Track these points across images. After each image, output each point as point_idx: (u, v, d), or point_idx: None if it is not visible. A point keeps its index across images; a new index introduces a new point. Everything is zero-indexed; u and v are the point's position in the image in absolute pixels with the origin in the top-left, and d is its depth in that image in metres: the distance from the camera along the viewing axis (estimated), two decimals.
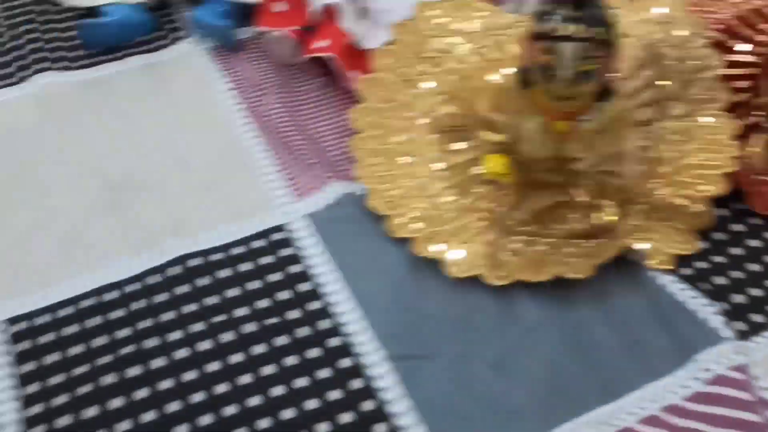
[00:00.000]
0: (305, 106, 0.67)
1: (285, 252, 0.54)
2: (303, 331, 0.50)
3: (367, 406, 0.46)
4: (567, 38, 0.47)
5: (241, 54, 0.71)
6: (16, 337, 0.50)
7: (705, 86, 0.61)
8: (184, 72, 0.70)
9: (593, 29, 0.48)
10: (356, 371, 0.47)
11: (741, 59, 0.63)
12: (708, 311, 0.50)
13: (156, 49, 0.72)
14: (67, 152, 0.62)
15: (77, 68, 0.70)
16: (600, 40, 0.48)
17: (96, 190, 0.59)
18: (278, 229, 0.56)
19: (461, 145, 0.59)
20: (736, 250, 0.55)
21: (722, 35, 0.62)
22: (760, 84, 0.62)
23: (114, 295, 0.52)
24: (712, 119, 0.60)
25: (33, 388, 0.47)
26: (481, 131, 0.56)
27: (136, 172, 0.60)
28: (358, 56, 0.66)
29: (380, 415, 0.45)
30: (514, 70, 0.54)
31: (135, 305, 0.51)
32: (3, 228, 0.56)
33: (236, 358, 0.48)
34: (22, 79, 0.68)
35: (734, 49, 0.62)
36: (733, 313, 0.50)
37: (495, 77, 0.60)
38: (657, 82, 0.60)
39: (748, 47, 0.63)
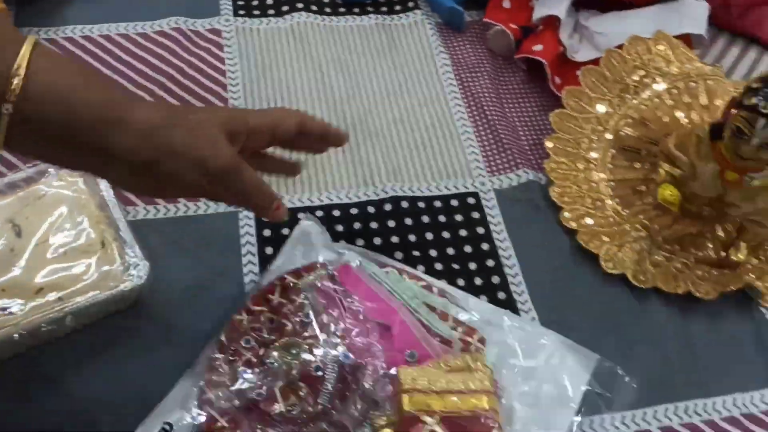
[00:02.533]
0: (510, 96, 0.79)
1: (474, 215, 0.68)
2: (478, 280, 0.64)
3: None
4: (765, 115, 0.57)
5: (463, 35, 0.84)
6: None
7: None
8: (410, 39, 0.83)
9: None
10: None
11: None
12: None
13: (389, 13, 0.85)
14: (313, 87, 0.77)
15: (327, 14, 0.84)
16: None
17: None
18: (472, 195, 0.70)
19: (634, 164, 0.72)
20: None
21: None
22: None
23: (338, 212, 0.68)
24: None
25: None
26: (662, 162, 0.68)
27: (367, 119, 0.75)
28: (564, 65, 0.77)
29: None
30: (707, 120, 0.66)
31: (354, 224, 0.67)
32: None
33: None
34: (282, 14, 0.83)
35: None
36: None
37: (682, 118, 0.71)
38: None
39: None
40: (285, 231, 0.65)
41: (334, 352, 0.53)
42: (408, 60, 0.81)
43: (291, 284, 0.58)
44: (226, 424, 0.51)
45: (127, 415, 0.53)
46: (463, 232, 0.67)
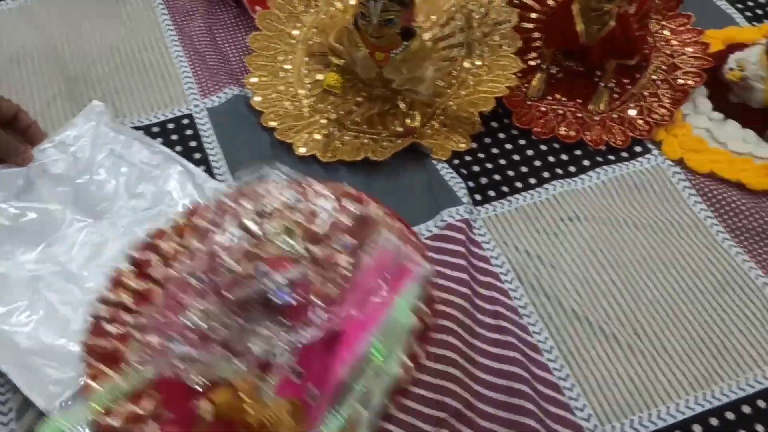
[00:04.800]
0: (223, 30, 0.90)
1: (188, 132, 0.79)
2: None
3: None
4: None
5: None
6: None
7: (503, 35, 0.84)
8: None
9: None
10: None
11: (531, 16, 0.86)
12: (459, 187, 0.75)
13: None
14: (43, 53, 0.86)
15: None
16: (398, 1, 0.71)
17: (58, 83, 0.83)
18: (186, 116, 0.81)
19: (323, 67, 0.84)
20: (495, 150, 0.79)
21: None
22: (542, 37, 0.85)
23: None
24: (506, 60, 0.83)
25: None
26: (330, 56, 0.80)
27: (90, 69, 0.84)
28: None
29: None
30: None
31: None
32: None
33: None
34: None
35: (527, 5, 0.86)
36: (476, 189, 0.76)
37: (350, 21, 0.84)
38: (468, 29, 0.84)
39: (537, 7, 0.86)
40: None
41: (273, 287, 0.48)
42: (129, 13, 0.91)
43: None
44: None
45: None
46: (178, 148, 0.78)
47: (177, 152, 0.77)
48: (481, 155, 0.79)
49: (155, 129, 0.79)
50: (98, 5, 0.91)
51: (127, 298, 0.61)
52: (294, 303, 0.47)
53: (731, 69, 0.80)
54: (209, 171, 0.76)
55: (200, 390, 0.47)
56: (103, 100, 0.81)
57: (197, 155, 0.77)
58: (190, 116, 0.81)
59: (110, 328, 0.58)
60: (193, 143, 0.78)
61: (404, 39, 0.74)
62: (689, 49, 0.86)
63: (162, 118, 0.80)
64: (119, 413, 0.51)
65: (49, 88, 0.82)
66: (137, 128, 0.79)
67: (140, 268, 0.63)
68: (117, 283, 0.62)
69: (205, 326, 0.49)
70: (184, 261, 0.57)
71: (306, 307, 0.47)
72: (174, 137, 0.79)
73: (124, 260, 0.64)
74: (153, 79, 0.84)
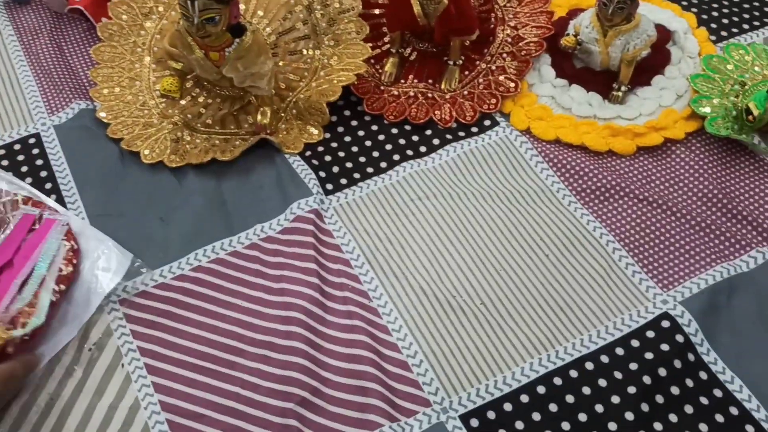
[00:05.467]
0: (73, 46, 0.88)
1: (35, 151, 0.78)
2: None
3: None
4: None
5: (27, 6, 0.92)
6: None
7: (349, 23, 0.84)
8: None
9: None
10: None
11: (378, 2, 0.87)
12: (309, 178, 0.75)
13: None
14: None
15: None
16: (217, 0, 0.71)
17: None
18: (33, 136, 0.79)
19: (169, 73, 0.83)
20: (347, 138, 0.80)
21: None
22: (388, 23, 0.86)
23: None
24: (355, 47, 0.83)
25: None
26: (168, 60, 0.79)
27: None
28: (105, 6, 0.88)
29: None
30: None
31: None
32: None
33: None
34: None
35: None
36: (327, 179, 0.76)
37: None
38: (312, 20, 0.84)
39: None
40: None
41: None
42: None
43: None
44: None
45: None
46: (24, 169, 0.76)
47: (23, 173, 0.76)
48: (333, 144, 0.79)
49: (0, 152, 0.78)
50: None
51: None
52: None
53: (567, 35, 0.81)
54: (57, 190, 0.75)
55: None
56: None
57: (44, 173, 0.76)
58: (37, 135, 0.79)
59: None
60: (39, 162, 0.77)
61: (236, 36, 0.74)
62: (534, 20, 0.87)
63: (8, 140, 0.79)
64: None
65: None
66: None
67: None
68: None
69: None
70: None
71: None
72: (20, 158, 0.77)
73: None
74: None
